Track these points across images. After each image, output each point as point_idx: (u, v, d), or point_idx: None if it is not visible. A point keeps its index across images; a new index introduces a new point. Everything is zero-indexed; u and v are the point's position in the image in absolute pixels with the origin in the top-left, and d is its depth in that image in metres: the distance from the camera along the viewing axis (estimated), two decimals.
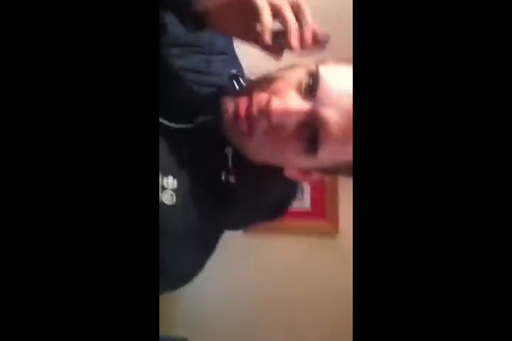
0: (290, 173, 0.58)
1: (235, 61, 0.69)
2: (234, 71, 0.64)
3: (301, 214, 1.29)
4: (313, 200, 1.28)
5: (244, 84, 0.62)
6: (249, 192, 0.60)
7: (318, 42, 0.49)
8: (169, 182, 0.56)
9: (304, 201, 1.28)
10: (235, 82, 0.62)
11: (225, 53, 0.66)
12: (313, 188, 1.27)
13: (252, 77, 0.61)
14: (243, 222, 0.69)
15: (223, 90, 0.61)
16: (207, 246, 0.62)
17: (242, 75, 0.65)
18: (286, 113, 0.50)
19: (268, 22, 0.46)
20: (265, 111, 0.50)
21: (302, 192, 1.27)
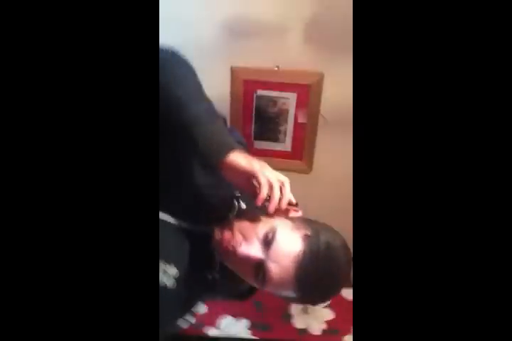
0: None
1: None
2: (237, 193, 0.83)
3: (283, 155, 1.52)
4: (293, 144, 1.50)
5: (242, 205, 0.82)
6: (227, 286, 0.84)
7: (291, 206, 0.73)
8: (173, 271, 0.77)
9: (285, 144, 1.51)
10: (235, 201, 0.82)
11: None
12: (294, 135, 1.49)
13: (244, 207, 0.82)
14: (220, 299, 0.96)
15: (225, 207, 0.81)
16: (188, 311, 0.87)
17: (243, 197, 0.83)
18: (247, 257, 0.70)
19: (264, 194, 0.68)
20: (234, 252, 0.71)
21: (285, 136, 1.49)
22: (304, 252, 0.68)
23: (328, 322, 1.74)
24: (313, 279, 0.68)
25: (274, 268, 0.68)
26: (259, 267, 0.70)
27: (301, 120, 1.45)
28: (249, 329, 1.72)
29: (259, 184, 0.68)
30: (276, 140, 1.50)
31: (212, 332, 1.71)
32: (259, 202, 0.68)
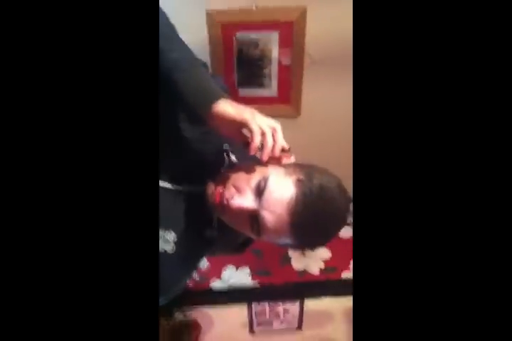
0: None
1: None
2: (226, 146, 0.80)
3: (270, 100, 1.47)
4: (279, 88, 1.45)
5: (232, 157, 0.80)
6: (225, 241, 0.84)
7: (284, 152, 0.70)
8: (171, 236, 0.77)
9: (271, 89, 1.45)
10: (225, 155, 0.79)
11: None
12: (279, 78, 1.43)
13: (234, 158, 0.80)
14: (218, 254, 0.97)
15: (215, 163, 0.78)
16: (191, 270, 0.88)
17: (232, 149, 0.81)
18: (241, 209, 0.69)
19: (257, 142, 0.66)
20: (228, 205, 0.69)
21: (270, 80, 1.44)
22: (297, 197, 0.66)
23: (325, 262, 1.79)
24: (308, 223, 0.66)
25: (268, 217, 0.67)
26: (253, 217, 0.69)
27: (285, 62, 1.39)
28: (250, 276, 1.76)
29: (251, 132, 0.66)
30: (261, 85, 1.45)
31: (215, 284, 1.75)
32: (252, 152, 0.66)
